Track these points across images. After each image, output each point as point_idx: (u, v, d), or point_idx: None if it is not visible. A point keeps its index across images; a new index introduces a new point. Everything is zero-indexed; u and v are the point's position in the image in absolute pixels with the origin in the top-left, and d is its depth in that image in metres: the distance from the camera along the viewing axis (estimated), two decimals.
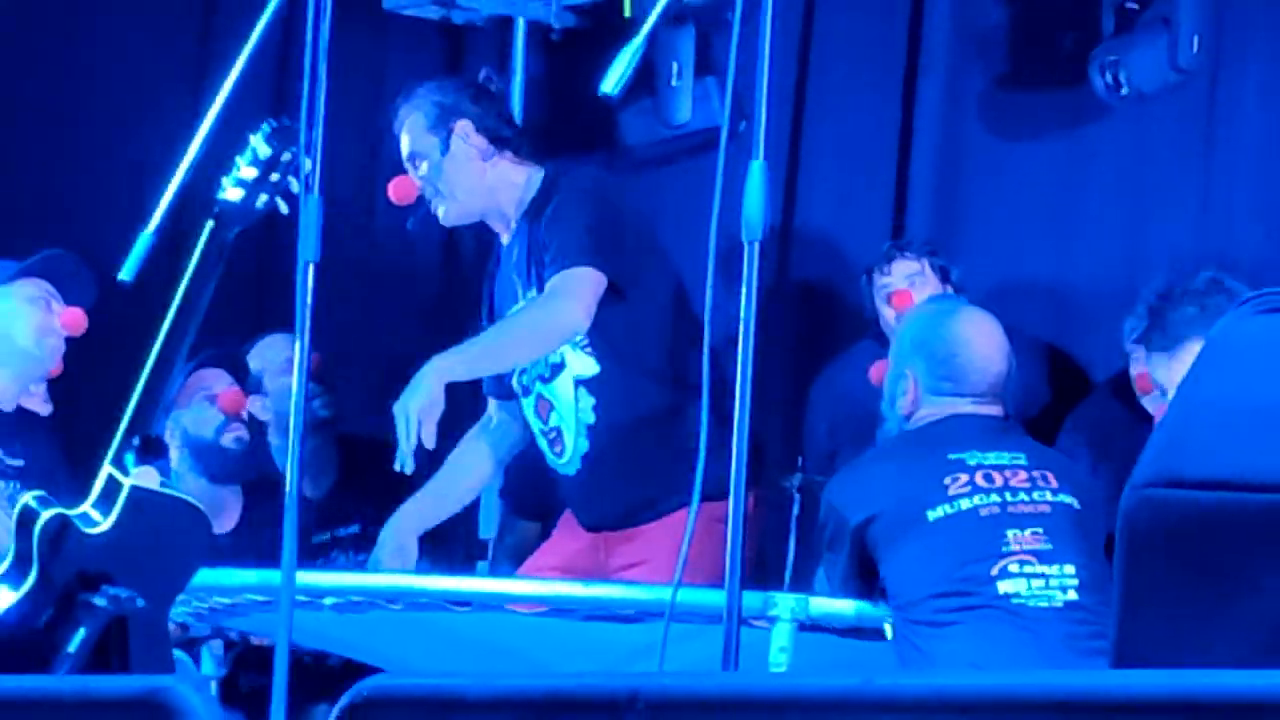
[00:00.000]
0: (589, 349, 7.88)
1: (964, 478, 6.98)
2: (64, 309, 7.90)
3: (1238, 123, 8.68)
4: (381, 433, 9.42)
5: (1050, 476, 7.04)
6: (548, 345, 7.82)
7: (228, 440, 8.89)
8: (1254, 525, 3.01)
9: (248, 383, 9.15)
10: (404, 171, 7.97)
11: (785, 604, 7.00)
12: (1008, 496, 6.87)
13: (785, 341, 8.39)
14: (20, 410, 8.07)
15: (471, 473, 8.23)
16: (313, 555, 9.00)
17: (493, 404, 8.22)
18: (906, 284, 8.47)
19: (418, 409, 7.52)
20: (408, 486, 9.52)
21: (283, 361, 8.99)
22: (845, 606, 7.14)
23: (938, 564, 6.93)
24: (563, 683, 3.94)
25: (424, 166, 8.05)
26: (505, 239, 8.16)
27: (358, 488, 9.21)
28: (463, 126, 7.98)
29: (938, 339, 7.22)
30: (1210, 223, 8.41)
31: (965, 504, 6.95)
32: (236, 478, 8.90)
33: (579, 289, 7.67)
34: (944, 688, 2.98)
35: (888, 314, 8.51)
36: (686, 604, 6.24)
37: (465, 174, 8.04)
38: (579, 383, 7.93)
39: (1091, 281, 9.01)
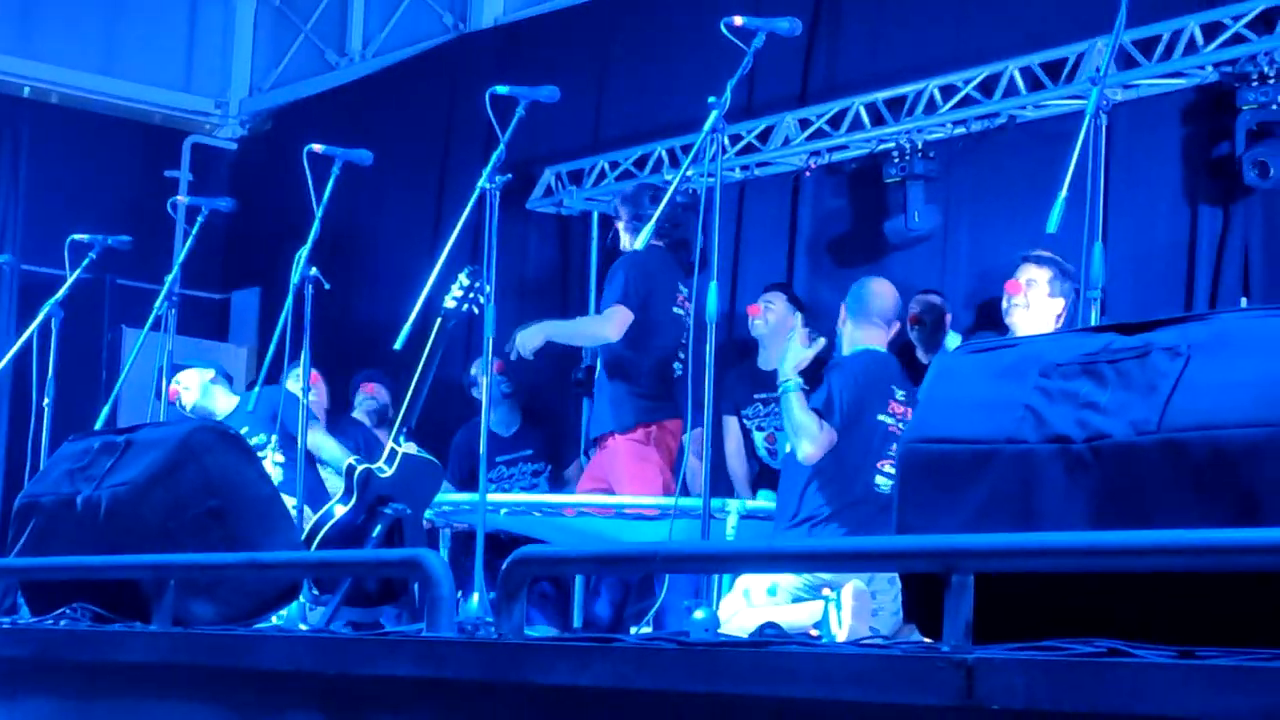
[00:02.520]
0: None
1: (892, 403, 6.64)
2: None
3: (962, 261, 8.63)
4: (543, 401, 9.40)
5: (909, 412, 6.63)
6: (591, 343, 7.67)
7: None
8: (959, 461, 2.99)
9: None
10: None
11: (733, 505, 6.93)
12: (899, 425, 6.63)
13: (729, 361, 8.25)
14: None
15: None
16: (508, 465, 9.01)
17: None
18: (764, 306, 8.36)
19: (521, 335, 7.42)
20: (565, 432, 9.48)
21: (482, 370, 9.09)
22: (767, 504, 7.01)
23: (866, 455, 6.55)
24: (619, 548, 3.96)
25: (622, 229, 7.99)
26: None
27: (531, 430, 9.17)
28: (623, 210, 7.90)
29: (868, 289, 6.92)
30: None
31: (888, 420, 6.61)
32: None
33: (614, 317, 7.51)
34: (805, 547, 2.99)
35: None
36: (683, 508, 6.18)
37: (625, 234, 7.90)
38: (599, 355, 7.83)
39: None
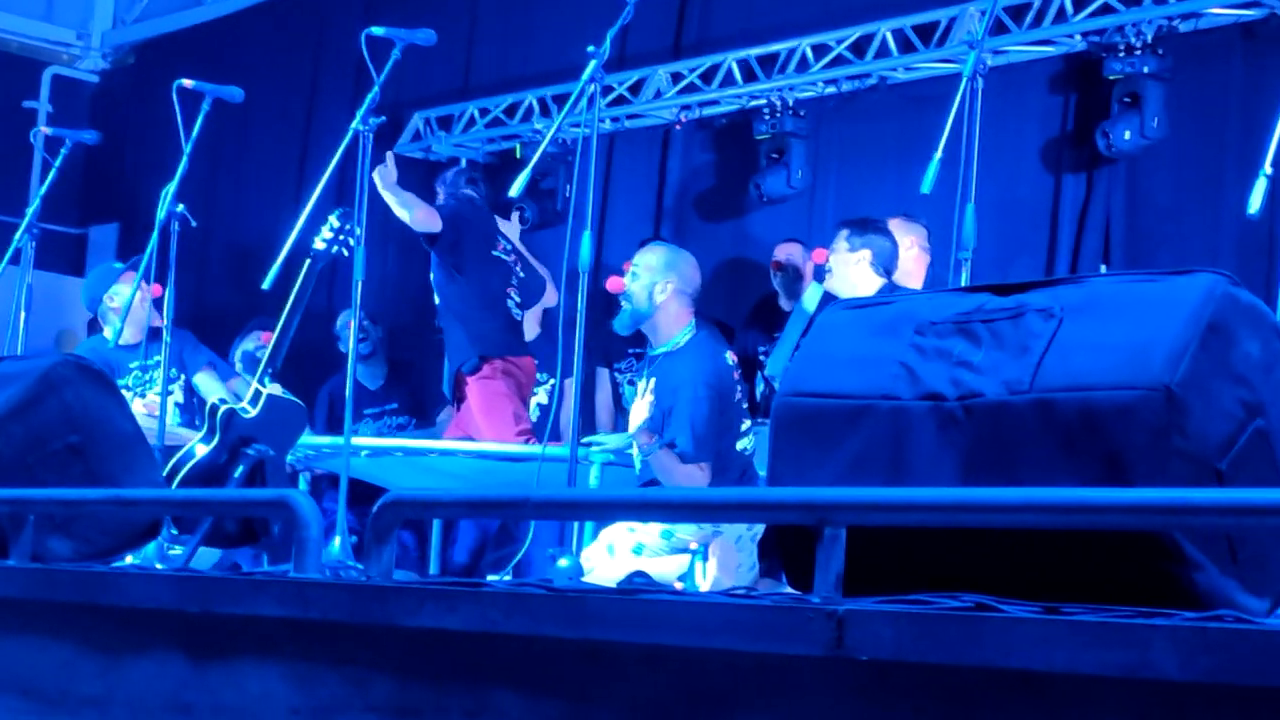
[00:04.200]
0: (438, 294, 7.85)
1: (734, 374, 6.67)
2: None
3: (828, 219, 8.69)
4: (410, 355, 9.35)
5: (739, 368, 6.78)
6: (399, 213, 7.50)
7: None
8: (832, 415, 3.02)
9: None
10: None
11: (597, 454, 6.92)
12: (742, 387, 6.70)
13: (602, 314, 8.24)
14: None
15: None
16: (375, 418, 8.99)
17: None
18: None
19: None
20: (429, 388, 9.43)
21: (344, 324, 8.96)
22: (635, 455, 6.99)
23: (730, 436, 6.50)
24: (487, 492, 3.96)
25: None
26: None
27: (397, 383, 9.14)
28: (442, 191, 7.89)
29: (686, 264, 6.79)
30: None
31: (738, 391, 6.64)
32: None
33: (426, 210, 7.48)
34: (678, 495, 3.00)
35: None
36: (550, 455, 6.17)
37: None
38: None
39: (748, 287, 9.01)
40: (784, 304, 8.09)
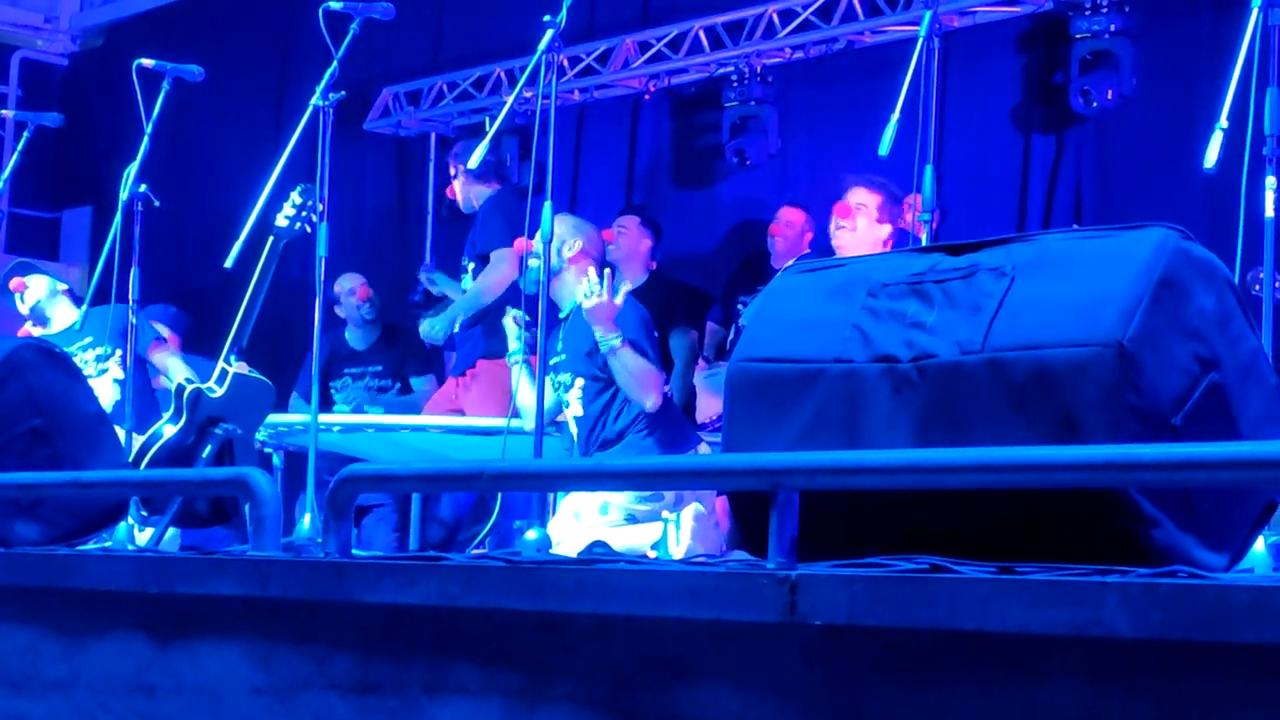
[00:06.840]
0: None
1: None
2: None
3: (800, 184, 8.67)
4: (401, 318, 9.28)
5: None
6: (501, 291, 7.57)
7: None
8: (785, 379, 3.00)
9: None
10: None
11: (567, 428, 6.89)
12: None
13: None
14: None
15: None
16: (355, 378, 8.95)
17: None
18: (618, 230, 8.33)
19: (433, 328, 7.58)
20: (413, 352, 9.36)
21: (346, 291, 8.90)
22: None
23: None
24: (447, 466, 3.94)
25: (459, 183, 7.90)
26: None
27: (385, 347, 9.04)
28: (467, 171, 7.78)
29: (592, 230, 6.71)
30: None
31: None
32: None
33: (507, 258, 7.39)
34: (631, 465, 2.98)
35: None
36: (515, 429, 6.14)
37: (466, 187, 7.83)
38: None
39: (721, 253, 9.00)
40: (775, 264, 8.09)
